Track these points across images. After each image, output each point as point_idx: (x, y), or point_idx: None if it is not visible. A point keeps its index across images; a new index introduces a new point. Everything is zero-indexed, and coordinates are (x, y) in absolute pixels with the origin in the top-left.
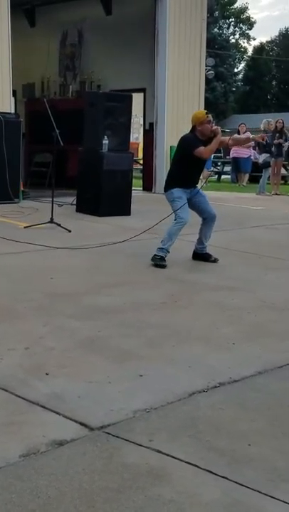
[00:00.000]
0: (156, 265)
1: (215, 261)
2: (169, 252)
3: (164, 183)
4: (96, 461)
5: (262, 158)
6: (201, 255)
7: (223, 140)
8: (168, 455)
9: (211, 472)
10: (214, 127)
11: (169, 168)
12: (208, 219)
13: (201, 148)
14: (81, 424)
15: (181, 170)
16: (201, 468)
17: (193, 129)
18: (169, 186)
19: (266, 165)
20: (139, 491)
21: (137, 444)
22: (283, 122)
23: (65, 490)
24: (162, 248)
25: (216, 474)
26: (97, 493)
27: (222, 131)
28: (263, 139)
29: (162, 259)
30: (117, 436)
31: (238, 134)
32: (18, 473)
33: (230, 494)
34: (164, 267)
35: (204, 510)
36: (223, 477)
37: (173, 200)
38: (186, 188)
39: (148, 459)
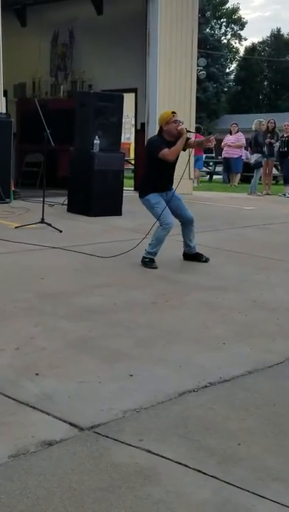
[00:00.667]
0: (147, 267)
1: (206, 261)
2: (156, 255)
3: (139, 188)
4: (86, 461)
5: (253, 158)
6: (191, 256)
7: (190, 141)
8: (158, 455)
9: (200, 472)
10: (179, 127)
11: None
12: (185, 223)
13: (165, 151)
14: (71, 424)
15: (152, 174)
16: (190, 468)
17: (160, 130)
18: (143, 192)
19: (258, 165)
20: (128, 490)
21: (127, 444)
22: (275, 122)
23: (54, 490)
24: (150, 252)
25: (205, 474)
26: (86, 493)
27: (209, 132)
28: (209, 141)
29: (152, 261)
30: (107, 436)
31: (230, 134)
32: (8, 474)
33: (220, 493)
34: (155, 268)
35: (194, 510)
36: (212, 476)
37: (152, 206)
38: (162, 192)
39: (138, 458)
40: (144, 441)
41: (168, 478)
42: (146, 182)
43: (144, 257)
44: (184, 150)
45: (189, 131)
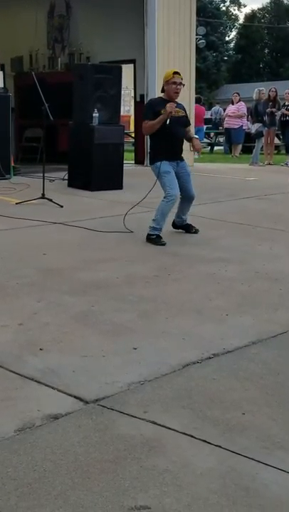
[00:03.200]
0: (155, 244)
1: (196, 232)
2: (162, 230)
3: (148, 155)
4: (91, 433)
5: (254, 128)
6: (181, 226)
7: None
8: (162, 426)
9: (205, 441)
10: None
11: None
12: (185, 198)
13: (144, 123)
14: (76, 397)
15: (155, 141)
16: (195, 438)
17: (163, 89)
18: (154, 159)
19: (259, 135)
20: (134, 461)
21: (132, 416)
22: (276, 91)
23: (60, 463)
24: (156, 227)
25: (210, 443)
26: (92, 464)
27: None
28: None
29: (159, 237)
30: (112, 409)
31: (232, 103)
32: (14, 448)
33: (225, 462)
34: (164, 244)
35: (199, 479)
36: (217, 446)
37: (160, 175)
38: (172, 160)
39: (143, 430)
40: (148, 412)
41: (173, 449)
42: (154, 149)
43: (149, 234)
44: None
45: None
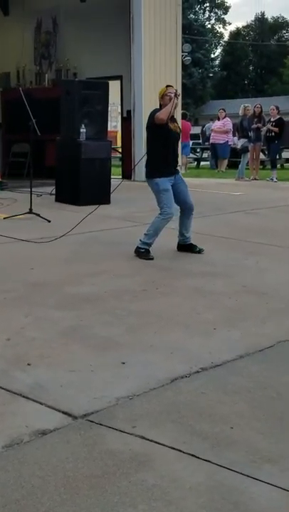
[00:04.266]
0: (143, 258)
1: (200, 251)
2: (151, 245)
3: (145, 168)
4: (80, 449)
5: (240, 143)
6: (185, 246)
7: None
8: (151, 441)
9: (194, 456)
10: (170, 92)
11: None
12: (186, 210)
13: (157, 113)
14: (64, 413)
15: (156, 153)
16: (184, 453)
17: (160, 106)
18: (151, 173)
19: (244, 150)
20: (123, 477)
21: (120, 431)
22: (261, 107)
23: (49, 479)
24: (147, 242)
25: (199, 458)
26: (81, 480)
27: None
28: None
29: (147, 252)
30: (101, 424)
31: (218, 119)
32: (2, 464)
33: (214, 477)
34: (151, 259)
35: (188, 494)
36: (206, 460)
37: (159, 191)
38: (170, 176)
39: (131, 445)
40: (137, 427)
41: (162, 464)
42: (153, 161)
43: (138, 247)
44: None
45: (176, 96)
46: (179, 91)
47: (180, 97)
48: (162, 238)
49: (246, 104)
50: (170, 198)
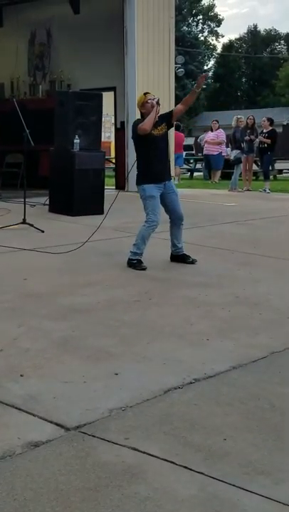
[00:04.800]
0: (136, 269)
1: (193, 262)
2: (142, 255)
3: (137, 175)
4: (72, 461)
5: (233, 154)
6: (178, 257)
7: (177, 109)
8: (144, 452)
9: (187, 468)
10: (150, 99)
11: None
12: (175, 220)
13: (140, 124)
14: (57, 424)
15: (142, 160)
16: (177, 465)
17: (141, 114)
18: (140, 179)
19: (237, 161)
20: (115, 489)
21: (113, 443)
22: (254, 118)
23: (41, 491)
24: (136, 252)
25: (192, 470)
26: (73, 493)
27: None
28: (203, 79)
29: (139, 261)
30: (93, 436)
31: (211, 130)
32: None
33: (207, 489)
34: (144, 269)
35: (181, 506)
36: (199, 472)
37: (145, 198)
38: (158, 183)
39: (124, 457)
40: (130, 439)
41: (155, 476)
42: (141, 169)
43: (130, 259)
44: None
45: (158, 104)
46: (166, 107)
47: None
48: (155, 248)
49: (239, 116)
50: (155, 206)
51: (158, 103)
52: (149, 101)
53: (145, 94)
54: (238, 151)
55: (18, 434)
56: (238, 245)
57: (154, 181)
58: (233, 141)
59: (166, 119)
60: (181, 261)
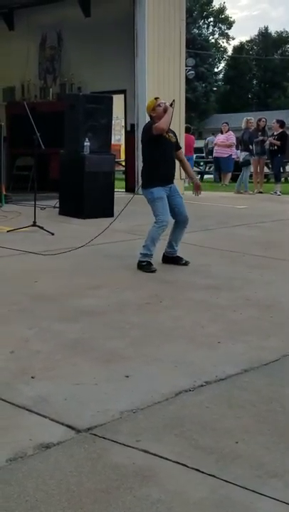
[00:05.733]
0: (146, 271)
1: (186, 264)
2: (152, 256)
3: (141, 178)
4: (83, 462)
5: (242, 156)
6: (171, 259)
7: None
8: (155, 455)
9: (198, 470)
10: (162, 103)
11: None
12: (180, 222)
13: (156, 124)
14: (68, 426)
15: (151, 162)
16: (188, 467)
17: (151, 118)
18: (147, 183)
19: (245, 163)
20: (127, 491)
21: (124, 445)
22: (266, 121)
23: (52, 492)
24: (146, 253)
25: (203, 472)
26: (85, 494)
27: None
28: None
29: (149, 264)
30: (104, 438)
31: (221, 133)
32: (5, 478)
33: (218, 492)
34: (154, 271)
35: (193, 509)
36: (210, 475)
37: (153, 200)
38: (165, 185)
39: (135, 459)
40: (141, 441)
41: (166, 478)
42: (149, 172)
43: (140, 261)
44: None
45: (172, 105)
46: (177, 109)
47: (183, 111)
48: (163, 251)
49: (249, 118)
50: (165, 206)
51: (172, 105)
52: (161, 104)
53: (156, 98)
54: (247, 153)
55: (30, 436)
56: (249, 248)
57: (162, 183)
58: (242, 143)
59: (175, 136)
60: (174, 263)
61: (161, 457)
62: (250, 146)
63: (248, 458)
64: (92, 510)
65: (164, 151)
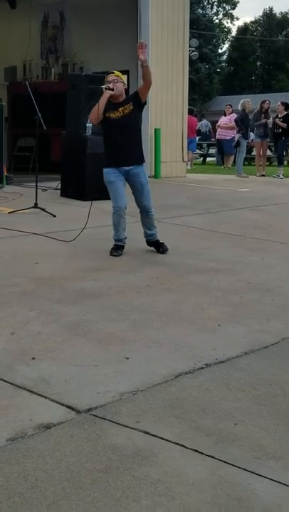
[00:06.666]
0: (110, 255)
1: (163, 252)
2: (121, 240)
3: None
4: (83, 443)
5: (236, 138)
6: (152, 243)
7: (141, 87)
8: (155, 436)
9: (197, 451)
10: (106, 86)
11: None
12: (140, 210)
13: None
14: (68, 407)
15: (104, 145)
16: (187, 448)
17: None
18: (104, 164)
19: (236, 145)
20: (126, 471)
21: (124, 426)
22: (270, 103)
23: (52, 472)
24: (114, 238)
25: (202, 453)
26: (84, 474)
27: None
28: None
29: (115, 247)
30: (104, 419)
31: (225, 115)
32: (6, 457)
33: (217, 473)
34: (117, 255)
35: (191, 489)
36: (209, 456)
37: (106, 183)
38: (117, 167)
39: (135, 440)
40: (141, 422)
41: (165, 459)
42: (104, 151)
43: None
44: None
45: (108, 88)
46: (180, 91)
47: (186, 93)
48: (167, 234)
49: (247, 99)
50: (117, 191)
51: (109, 88)
52: (101, 87)
53: (108, 74)
54: (240, 134)
55: (30, 416)
56: (250, 231)
57: (112, 165)
58: (239, 125)
59: (133, 98)
60: (155, 248)
61: (160, 438)
62: (242, 129)
63: (247, 439)
64: (92, 490)
65: (109, 132)
